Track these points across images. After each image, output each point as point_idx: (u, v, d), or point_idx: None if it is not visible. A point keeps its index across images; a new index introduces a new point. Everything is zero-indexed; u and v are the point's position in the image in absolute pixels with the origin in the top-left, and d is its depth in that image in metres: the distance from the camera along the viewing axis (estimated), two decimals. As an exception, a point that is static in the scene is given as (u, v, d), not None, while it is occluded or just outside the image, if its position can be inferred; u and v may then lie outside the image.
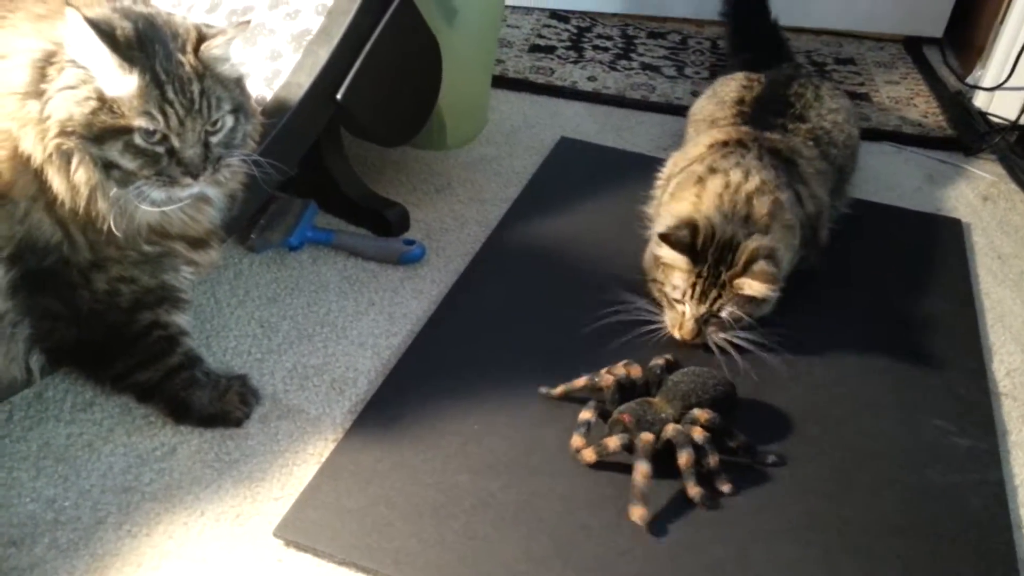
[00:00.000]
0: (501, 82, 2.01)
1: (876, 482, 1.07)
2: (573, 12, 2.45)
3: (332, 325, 1.27)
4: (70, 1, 0.86)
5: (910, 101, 2.08)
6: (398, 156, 1.70)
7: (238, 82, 1.00)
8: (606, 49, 2.27)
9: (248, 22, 0.99)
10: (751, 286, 1.18)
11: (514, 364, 1.20)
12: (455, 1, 1.54)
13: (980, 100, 2.02)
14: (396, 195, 1.54)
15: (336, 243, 1.42)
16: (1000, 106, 1.96)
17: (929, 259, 1.51)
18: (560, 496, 1.01)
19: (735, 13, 1.92)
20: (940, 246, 1.55)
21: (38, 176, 0.90)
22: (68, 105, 0.88)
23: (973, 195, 1.72)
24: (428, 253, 1.42)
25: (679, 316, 1.23)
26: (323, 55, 1.26)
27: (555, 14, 2.44)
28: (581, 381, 1.12)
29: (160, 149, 0.92)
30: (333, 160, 1.46)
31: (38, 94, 0.88)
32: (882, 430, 1.14)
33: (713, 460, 1.02)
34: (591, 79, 2.10)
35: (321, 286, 1.34)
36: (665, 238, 1.21)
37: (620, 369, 1.12)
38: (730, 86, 1.61)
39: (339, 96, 1.28)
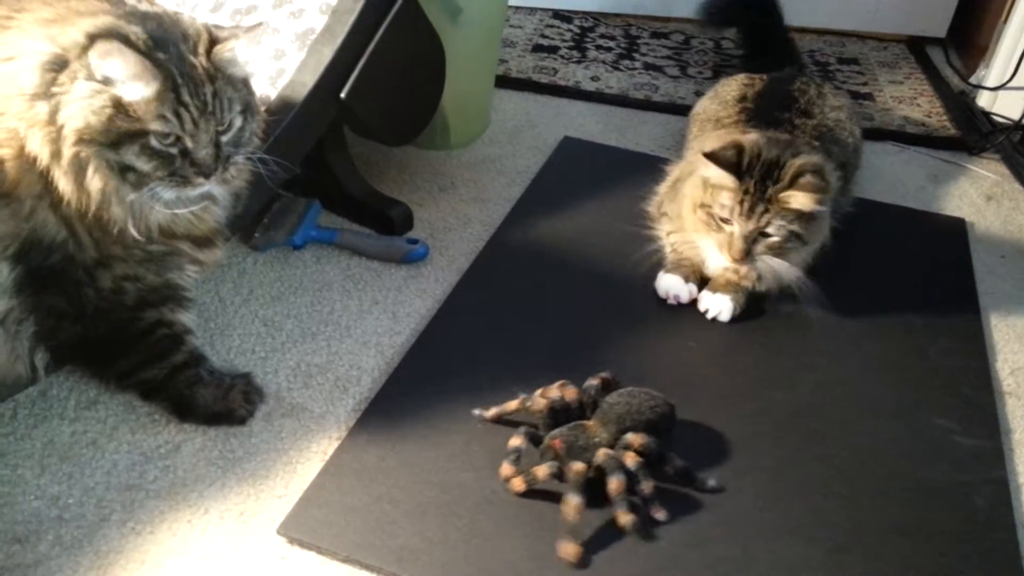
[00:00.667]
0: (504, 82, 2.01)
1: (880, 482, 1.06)
2: (576, 12, 2.45)
3: (336, 324, 1.27)
4: (109, 28, 0.88)
5: (913, 101, 2.07)
6: (401, 155, 1.70)
7: (245, 82, 1.01)
8: (609, 49, 2.27)
9: (259, 25, 1.00)
10: (797, 198, 1.19)
11: (517, 362, 1.19)
12: (459, 0, 1.54)
13: (984, 100, 2.02)
14: (399, 194, 1.54)
15: (340, 242, 1.42)
16: (1003, 106, 1.96)
17: (932, 258, 1.51)
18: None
19: (747, 19, 1.90)
20: (943, 245, 1.55)
21: (44, 176, 0.90)
22: (85, 114, 0.88)
23: (977, 194, 1.72)
24: (431, 252, 1.42)
25: (727, 237, 1.24)
26: (327, 54, 1.27)
27: (558, 14, 2.44)
28: (513, 404, 1.07)
29: (174, 150, 0.94)
30: (337, 159, 1.47)
31: (47, 96, 0.88)
32: (885, 429, 1.14)
33: (647, 487, 0.97)
34: (594, 79, 2.10)
35: (325, 285, 1.35)
36: (711, 156, 1.23)
37: (555, 391, 1.06)
38: (731, 86, 1.62)
39: (343, 95, 1.29)
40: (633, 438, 1.00)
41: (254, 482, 1.02)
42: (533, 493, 1.00)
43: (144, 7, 0.97)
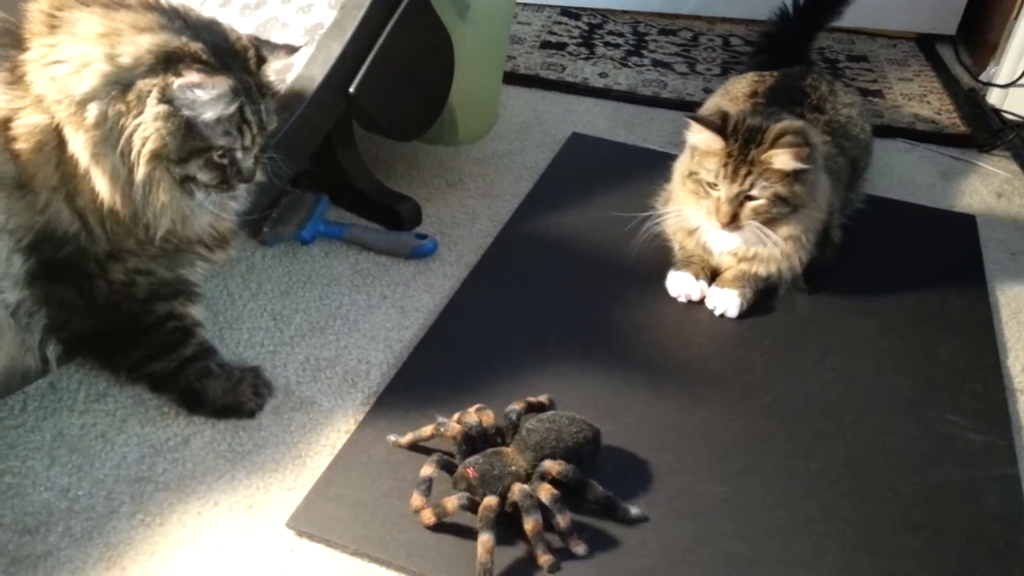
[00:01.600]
0: (512, 78, 2.01)
1: (891, 478, 1.06)
2: (584, 9, 2.45)
3: (344, 318, 1.27)
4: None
5: (923, 98, 2.07)
6: (409, 151, 1.70)
7: (276, 93, 1.04)
8: (617, 46, 2.27)
9: (298, 49, 1.06)
10: (779, 157, 1.22)
11: (525, 358, 1.19)
12: (467, -4, 1.54)
13: (994, 97, 2.01)
14: (408, 189, 1.54)
15: (348, 237, 1.42)
16: (1014, 103, 1.96)
17: (943, 255, 1.50)
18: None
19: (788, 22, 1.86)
20: (954, 242, 1.54)
21: (60, 168, 0.91)
22: (161, 136, 0.91)
23: (987, 191, 1.71)
24: (440, 247, 1.42)
25: (715, 202, 1.26)
26: (336, 49, 1.26)
27: (566, 11, 2.44)
28: (428, 429, 1.01)
29: (225, 161, 0.98)
30: (345, 154, 1.46)
31: (106, 107, 0.89)
32: (896, 426, 1.14)
33: (563, 521, 0.92)
34: (602, 75, 2.09)
35: (333, 280, 1.34)
36: (696, 118, 1.27)
37: (472, 416, 1.01)
38: (742, 83, 1.61)
39: (352, 89, 1.28)
40: (551, 466, 0.95)
41: (263, 475, 1.02)
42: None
43: (195, 16, 0.97)
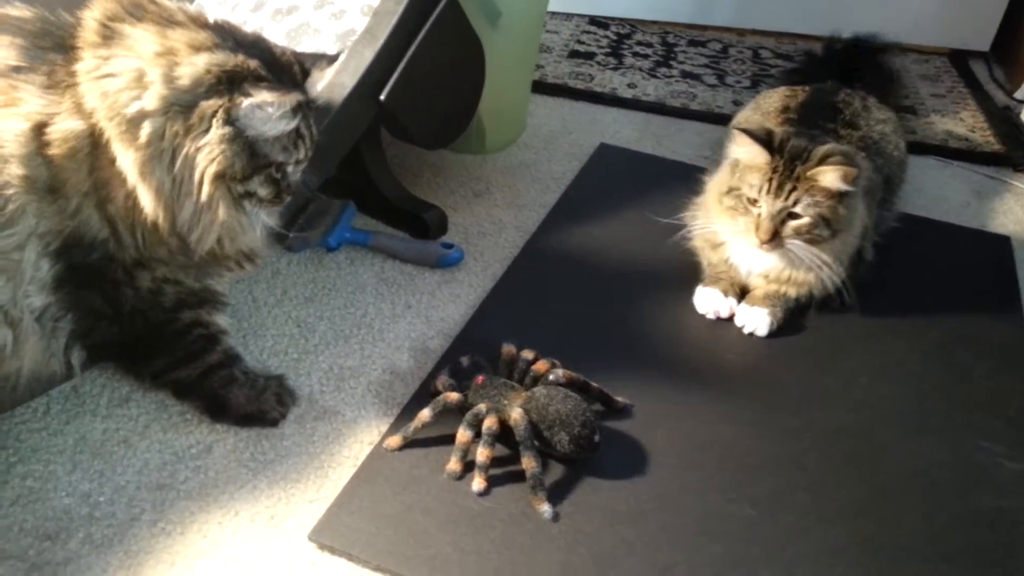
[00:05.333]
0: (540, 87, 2.00)
1: (924, 505, 1.03)
2: (613, 19, 2.44)
3: (369, 327, 1.26)
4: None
5: (956, 115, 2.04)
6: (436, 159, 1.69)
7: (318, 107, 1.04)
8: (646, 56, 2.25)
9: (335, 59, 1.08)
10: (826, 175, 1.19)
11: (552, 372, 1.18)
12: (499, 4, 1.53)
13: (1029, 115, 1.98)
14: (434, 198, 1.53)
15: (374, 245, 1.41)
16: (1050, 122, 1.92)
17: (977, 276, 1.47)
18: (600, 509, 0.99)
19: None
20: (988, 263, 1.51)
21: (92, 174, 0.90)
22: (226, 157, 0.91)
23: (1022, 211, 1.68)
24: (466, 257, 1.41)
25: (755, 218, 1.23)
26: (368, 56, 1.26)
27: (595, 20, 2.42)
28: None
29: (279, 175, 0.98)
30: (372, 162, 1.46)
31: (160, 122, 0.88)
32: (929, 451, 1.11)
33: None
34: (631, 86, 2.08)
35: (358, 287, 1.33)
36: (744, 130, 1.24)
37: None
38: (773, 97, 1.59)
39: (383, 97, 1.28)
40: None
41: (285, 486, 1.01)
42: (570, 504, 0.98)
43: (244, 34, 0.97)
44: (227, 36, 0.93)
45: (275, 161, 0.96)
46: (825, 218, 1.21)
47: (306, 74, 0.99)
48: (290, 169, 0.99)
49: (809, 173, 1.19)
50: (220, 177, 0.92)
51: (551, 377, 1.09)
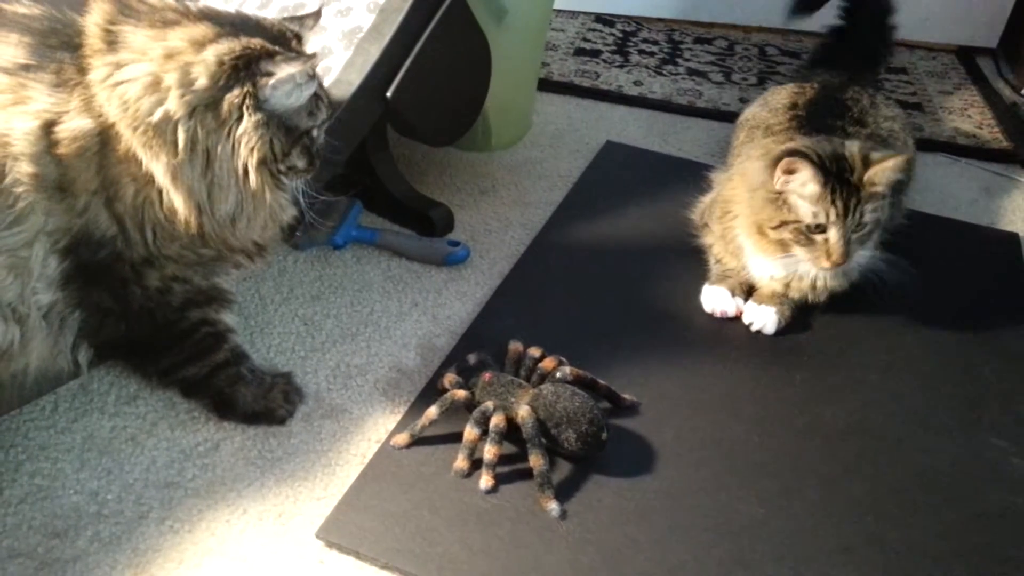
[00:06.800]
0: (546, 85, 1.99)
1: (934, 503, 1.03)
2: (619, 16, 2.43)
3: (376, 325, 1.25)
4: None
5: (964, 112, 2.03)
6: (442, 157, 1.68)
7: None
8: (652, 54, 2.24)
9: (319, 9, 1.07)
10: (885, 174, 1.16)
11: (560, 370, 1.17)
12: (505, 1, 1.53)
13: (1037, 112, 1.97)
14: (440, 196, 1.53)
15: (380, 242, 1.41)
16: (1059, 119, 1.91)
17: (985, 273, 1.47)
18: (607, 506, 0.99)
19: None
20: (997, 260, 1.51)
21: (100, 172, 0.90)
22: (264, 143, 0.92)
23: (1031, 209, 1.67)
24: (472, 255, 1.41)
25: (823, 244, 1.18)
26: (374, 53, 1.25)
27: (600, 18, 2.42)
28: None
29: (309, 142, 0.99)
30: (379, 159, 1.45)
31: (190, 126, 0.89)
32: (939, 449, 1.11)
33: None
34: (637, 83, 2.07)
35: (365, 285, 1.33)
36: (796, 152, 1.17)
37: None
38: (781, 94, 1.58)
39: (389, 94, 1.27)
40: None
41: (293, 483, 1.00)
42: (577, 503, 0.99)
43: (252, 17, 0.97)
44: (221, 21, 0.93)
45: (305, 129, 0.97)
46: (879, 220, 1.20)
47: (299, 37, 0.99)
48: (315, 133, 1.00)
49: (866, 178, 1.16)
50: (263, 163, 0.93)
51: (558, 374, 1.09)
